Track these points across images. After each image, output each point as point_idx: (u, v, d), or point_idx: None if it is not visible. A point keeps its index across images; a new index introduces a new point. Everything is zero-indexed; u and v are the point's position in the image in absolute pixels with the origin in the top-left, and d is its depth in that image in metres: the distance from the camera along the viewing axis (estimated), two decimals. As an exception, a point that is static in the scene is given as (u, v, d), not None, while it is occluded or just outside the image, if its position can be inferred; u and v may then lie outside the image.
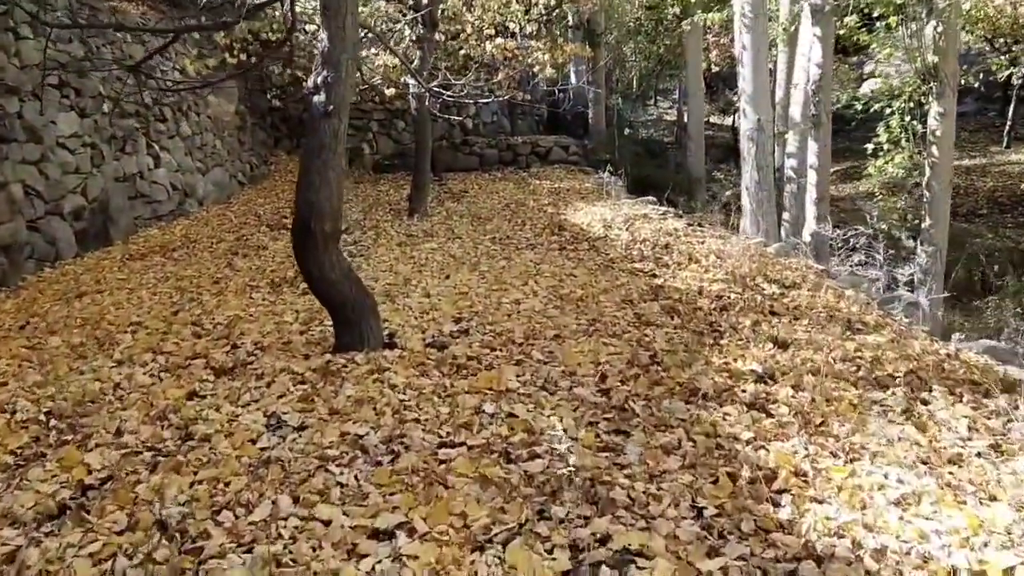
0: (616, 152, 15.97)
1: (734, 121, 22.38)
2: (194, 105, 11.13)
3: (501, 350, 4.63)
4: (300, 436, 3.39)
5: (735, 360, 4.40)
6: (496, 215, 9.99)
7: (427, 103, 8.46)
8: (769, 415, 3.62)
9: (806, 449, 3.22)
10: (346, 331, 4.65)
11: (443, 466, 3.09)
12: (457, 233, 8.76)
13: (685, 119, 24.75)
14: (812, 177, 10.39)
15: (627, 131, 19.25)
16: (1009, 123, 17.88)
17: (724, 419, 3.55)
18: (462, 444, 3.28)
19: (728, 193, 12.43)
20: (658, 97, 28.49)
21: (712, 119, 24.40)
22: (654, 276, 6.56)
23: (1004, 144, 18.10)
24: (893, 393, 3.84)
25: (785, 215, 12.34)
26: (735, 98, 24.16)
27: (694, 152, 15.81)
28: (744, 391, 3.89)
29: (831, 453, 3.21)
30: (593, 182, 13.27)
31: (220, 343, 4.81)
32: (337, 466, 3.10)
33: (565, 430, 3.42)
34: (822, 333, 4.84)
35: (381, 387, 3.92)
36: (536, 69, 15.05)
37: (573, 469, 3.03)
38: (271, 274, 6.86)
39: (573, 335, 4.92)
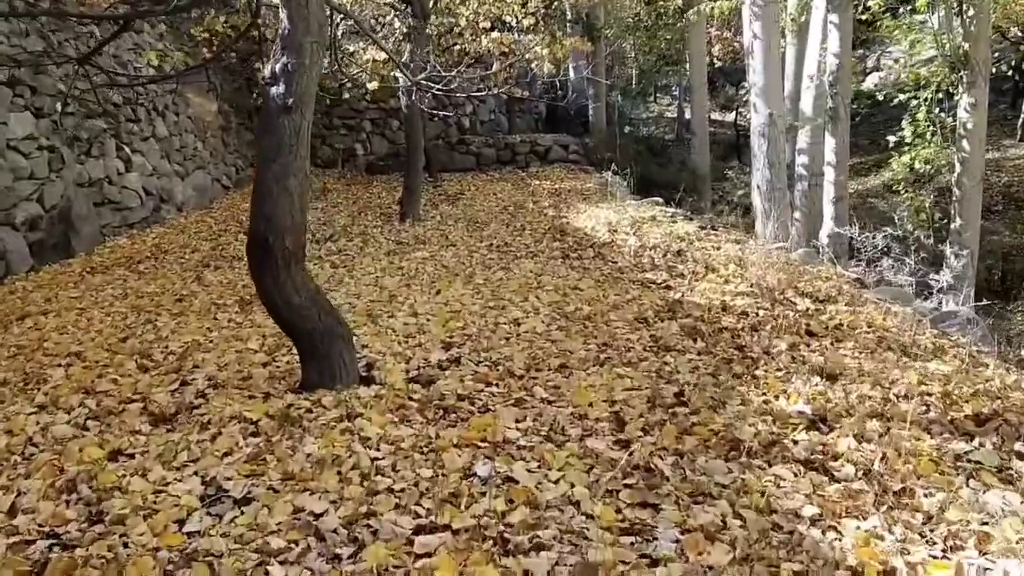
0: (618, 150, 15.20)
1: (736, 117, 21.61)
2: (172, 105, 10.37)
3: (498, 385, 3.87)
4: (242, 514, 2.63)
5: (776, 397, 3.64)
6: (493, 219, 9.22)
7: (417, 99, 7.71)
8: (832, 477, 2.85)
9: (890, 531, 2.46)
10: (314, 365, 3.89)
11: (419, 563, 2.33)
12: (451, 240, 7.99)
13: (686, 115, 24.00)
14: (829, 175, 9.62)
15: (628, 128, 18.48)
16: (1023, 116, 17.08)
17: (777, 484, 2.79)
18: (446, 528, 2.51)
19: (740, 193, 11.66)
20: (657, 94, 27.70)
21: (713, 115, 23.60)
22: (668, 288, 5.80)
23: (1018, 137, 17.31)
24: (980, 444, 3.08)
25: (796, 214, 11.57)
26: (738, 93, 23.39)
27: (698, 149, 15.03)
28: (795, 442, 3.13)
29: (923, 537, 2.45)
30: (595, 182, 12.51)
31: (168, 379, 4.05)
32: (282, 564, 2.35)
33: (578, 503, 2.66)
34: (872, 360, 4.08)
35: (350, 440, 3.15)
36: (534, 64, 14.33)
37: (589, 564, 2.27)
38: (242, 290, 6.09)
39: (581, 364, 4.15)
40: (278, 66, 3.74)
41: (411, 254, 7.23)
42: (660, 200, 10.17)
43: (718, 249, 6.96)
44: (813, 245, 9.80)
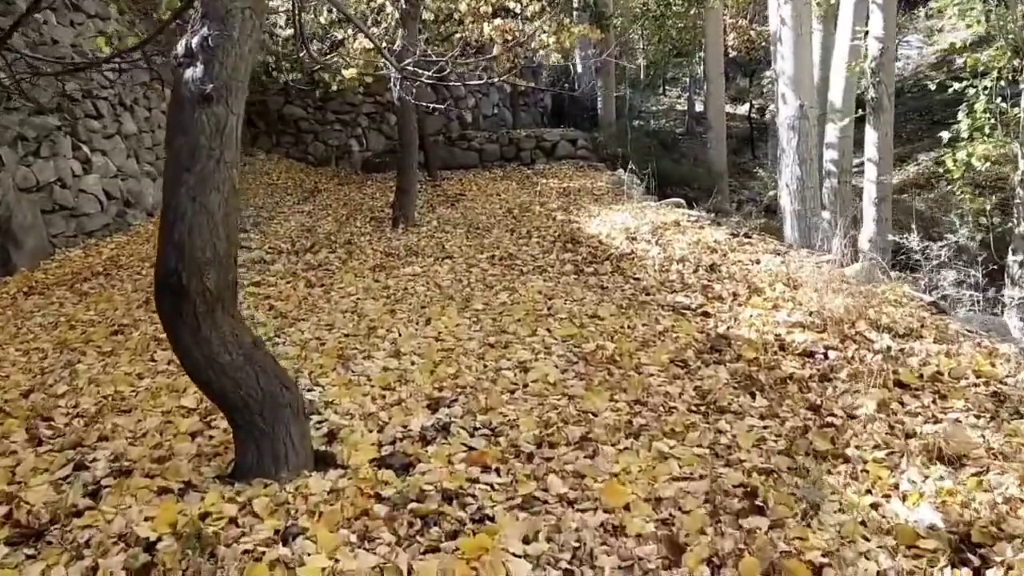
0: (629, 145, 14.10)
1: (750, 110, 20.47)
2: (144, 99, 9.31)
3: (499, 471, 2.82)
4: None
5: (887, 496, 2.58)
6: (496, 224, 8.15)
7: (409, 91, 6.66)
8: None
9: None
10: (251, 445, 2.84)
11: None
12: (448, 250, 6.92)
13: (697, 108, 22.86)
14: (871, 172, 8.52)
15: (638, 122, 17.37)
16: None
17: None
18: None
19: (772, 193, 10.56)
20: (666, 86, 26.53)
21: (726, 108, 22.46)
22: (706, 316, 4.73)
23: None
24: None
25: (825, 214, 10.48)
26: (752, 85, 22.20)
27: (715, 144, 13.91)
28: (940, 588, 2.07)
29: None
30: (606, 180, 11.41)
31: (60, 459, 3.00)
32: None
33: None
34: (999, 432, 3.01)
35: (281, 585, 2.11)
36: (541, 53, 13.23)
37: None
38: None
39: (609, 434, 3.09)
40: (195, 40, 2.69)
41: (400, 269, 6.17)
42: (681, 201, 9.09)
43: (757, 262, 5.89)
44: (874, 258, 8.70)
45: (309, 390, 3.71)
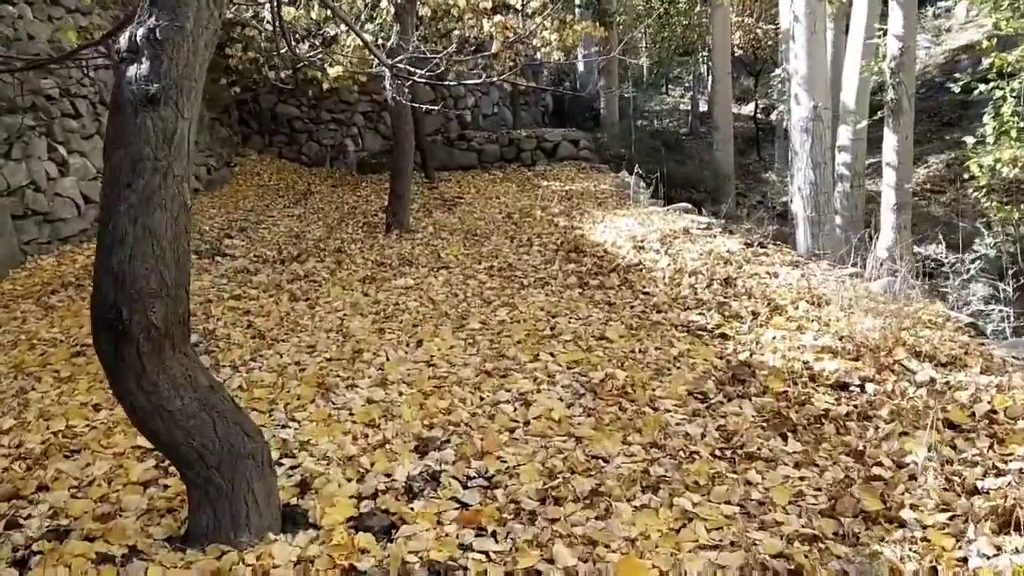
0: (633, 146, 13.69)
1: (755, 110, 20.05)
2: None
3: (495, 535, 2.41)
4: None
5: (956, 576, 2.18)
6: (495, 230, 7.74)
7: (401, 89, 6.25)
8: None
9: None
10: (205, 506, 2.43)
11: None
12: (444, 259, 6.51)
13: (701, 108, 22.44)
14: (889, 177, 8.12)
15: (641, 123, 16.95)
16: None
17: None
18: None
19: (784, 199, 10.14)
20: (668, 85, 26.10)
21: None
22: (724, 338, 4.32)
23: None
24: None
25: (837, 219, 10.07)
26: (757, 85, 21.75)
27: (721, 145, 13.50)
28: None
29: None
30: (610, 183, 11.00)
31: (-12, 516, 2.60)
32: None
33: None
34: (1074, 486, 2.60)
35: None
36: (543, 52, 12.80)
37: None
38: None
39: (624, 487, 2.68)
40: (140, 32, 2.28)
41: (392, 281, 5.76)
42: (689, 206, 8.69)
43: (775, 276, 5.48)
44: (896, 269, 8.28)
45: (283, 426, 3.30)
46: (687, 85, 25.39)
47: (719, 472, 2.80)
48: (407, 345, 4.30)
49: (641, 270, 5.87)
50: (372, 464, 2.92)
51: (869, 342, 3.90)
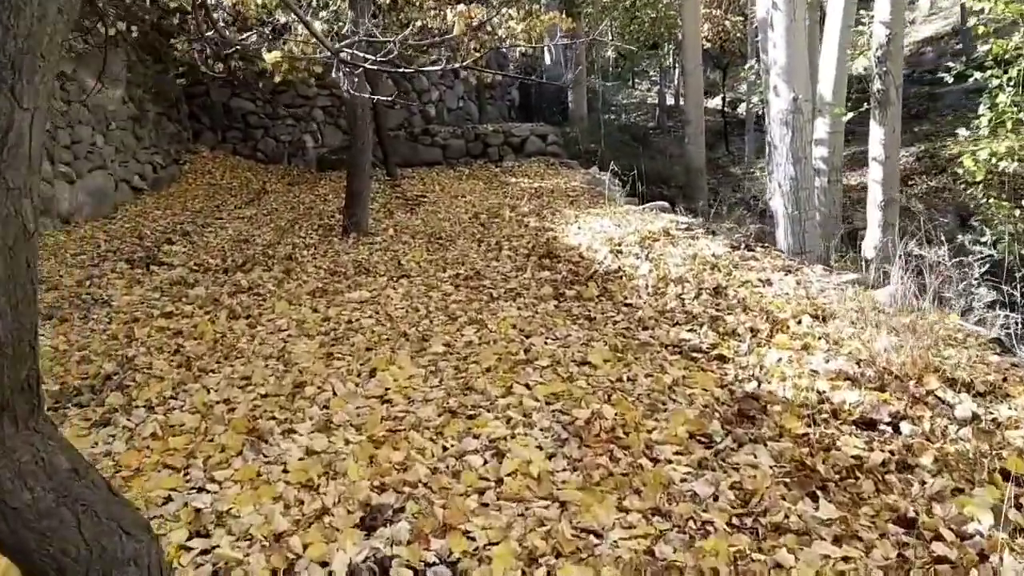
0: (603, 141, 13.11)
1: (724, 103, 19.63)
2: (61, 90, 8.07)
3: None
4: None
5: None
6: (461, 232, 7.09)
7: (353, 80, 5.56)
8: None
9: None
10: (65, 635, 1.77)
11: None
12: (404, 267, 5.85)
13: (668, 101, 21.97)
14: (876, 172, 7.62)
15: (609, 116, 16.40)
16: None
17: None
18: None
19: (756, 194, 9.61)
20: (635, 79, 25.60)
21: (696, 102, 21.55)
22: (723, 360, 3.73)
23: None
24: None
25: (816, 216, 9.58)
26: (726, 78, 21.33)
27: (693, 139, 12.96)
28: None
29: None
30: (581, 179, 10.40)
31: None
32: None
33: None
34: None
35: None
36: (508, 43, 12.16)
37: None
38: (72, 372, 3.91)
39: (624, 577, 2.08)
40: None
41: (345, 294, 5.08)
42: (666, 205, 8.13)
43: (768, 283, 4.92)
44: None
45: (200, 489, 2.63)
46: (653, 79, 24.94)
47: (741, 551, 2.20)
48: (358, 375, 3.64)
49: (621, 278, 5.27)
50: (305, 548, 2.27)
51: (892, 366, 3.34)
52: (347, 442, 2.95)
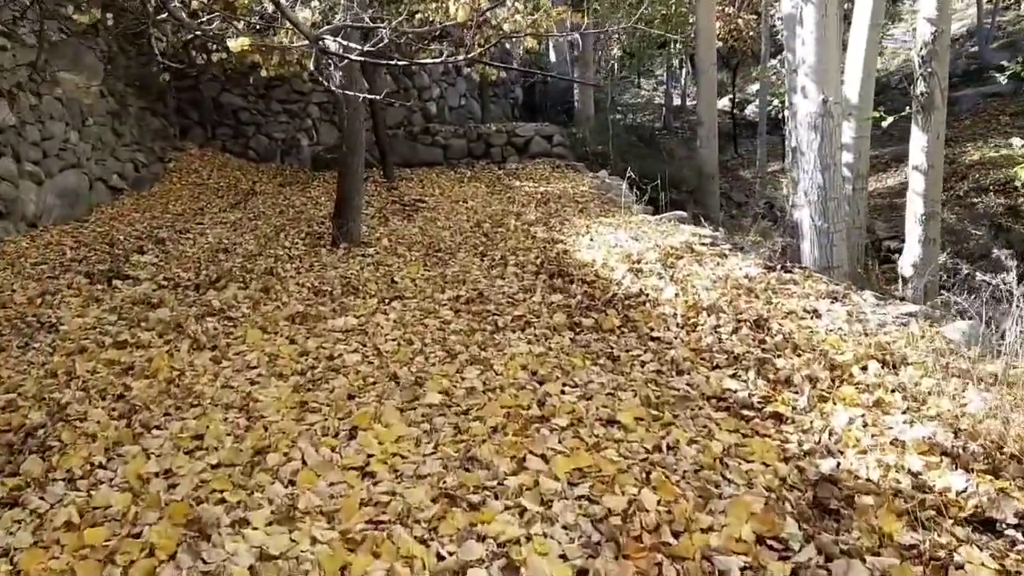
0: (611, 143, 12.40)
1: (733, 105, 18.90)
2: (29, 82, 7.35)
3: None
4: None
5: None
6: (463, 243, 6.39)
7: (341, 73, 4.85)
8: None
9: None
10: None
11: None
12: (399, 285, 5.14)
13: (674, 101, 21.24)
14: (917, 183, 6.91)
15: (616, 116, 15.67)
16: None
17: None
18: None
19: (792, 208, 8.88)
20: (640, 78, 24.84)
21: (703, 102, 20.80)
22: (780, 421, 3.03)
23: None
24: None
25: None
26: (736, 80, 20.56)
27: (706, 142, 12.21)
28: None
29: None
30: (589, 184, 9.70)
31: None
32: None
33: None
34: None
35: None
36: (516, 34, 11.45)
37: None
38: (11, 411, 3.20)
39: None
40: None
41: (329, 320, 4.37)
42: (684, 215, 7.43)
43: (815, 314, 4.22)
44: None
45: (111, 620, 1.93)
46: (659, 78, 24.19)
47: None
48: (335, 435, 2.94)
49: (644, 303, 4.57)
50: None
51: (1000, 439, 2.64)
52: (314, 541, 2.25)
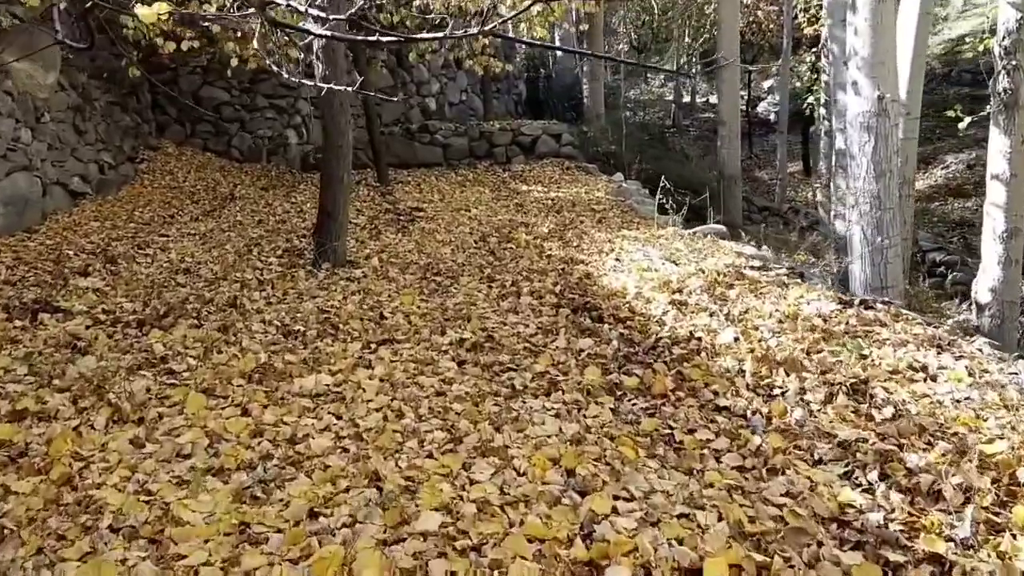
0: (623, 143, 11.38)
1: (748, 102, 17.88)
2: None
3: None
4: None
5: None
6: (466, 264, 5.38)
7: (328, 63, 3.85)
8: None
9: None
10: None
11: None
12: (388, 324, 4.13)
13: (684, 98, 20.23)
14: (997, 194, 5.89)
15: (627, 114, 14.64)
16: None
17: None
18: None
19: (835, 218, 7.87)
20: (647, 74, 23.80)
21: (712, 99, 19.80)
22: (941, 565, 2.03)
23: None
24: None
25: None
26: (751, 76, 19.51)
27: (727, 142, 11.18)
28: None
29: None
30: (604, 188, 8.68)
31: None
32: None
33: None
34: None
35: None
36: (523, 28, 10.43)
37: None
38: None
39: None
40: None
41: (297, 379, 3.35)
42: (722, 229, 6.42)
43: (928, 374, 3.21)
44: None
45: None
46: (661, 80, 23.13)
47: None
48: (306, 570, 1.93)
49: (698, 352, 3.56)
50: None
51: None
52: None
